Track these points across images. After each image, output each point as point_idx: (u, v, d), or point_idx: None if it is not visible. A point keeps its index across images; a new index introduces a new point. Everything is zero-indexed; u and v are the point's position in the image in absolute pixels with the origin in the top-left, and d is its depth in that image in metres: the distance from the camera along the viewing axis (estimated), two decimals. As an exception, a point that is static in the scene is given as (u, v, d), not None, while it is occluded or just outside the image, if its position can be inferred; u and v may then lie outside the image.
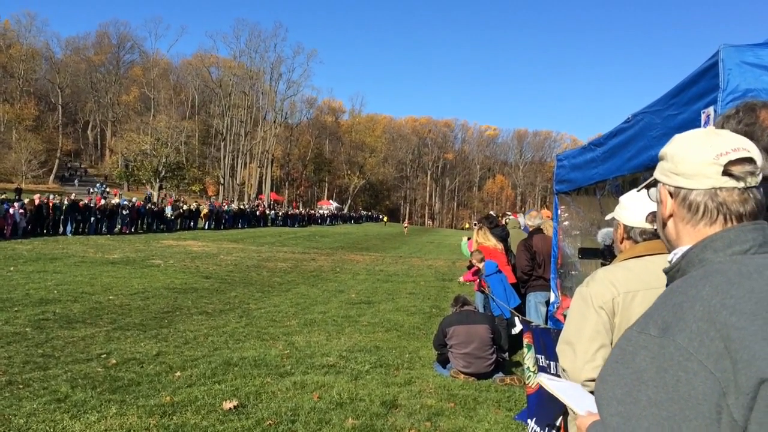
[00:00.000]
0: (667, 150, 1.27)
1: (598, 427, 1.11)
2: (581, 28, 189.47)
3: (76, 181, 65.95)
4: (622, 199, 2.30)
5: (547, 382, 1.69)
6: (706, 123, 2.67)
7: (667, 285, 1.18)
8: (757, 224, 1.12)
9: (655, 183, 1.30)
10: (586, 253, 3.56)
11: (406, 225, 64.20)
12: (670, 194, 1.22)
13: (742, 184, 1.14)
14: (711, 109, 2.63)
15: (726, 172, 1.14)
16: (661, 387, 0.94)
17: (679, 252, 1.19)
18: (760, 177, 1.15)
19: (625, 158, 3.73)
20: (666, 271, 1.22)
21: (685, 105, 2.91)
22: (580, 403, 1.41)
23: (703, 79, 2.76)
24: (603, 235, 2.74)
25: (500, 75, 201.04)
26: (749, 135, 1.27)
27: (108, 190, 62.04)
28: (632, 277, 2.03)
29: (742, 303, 0.96)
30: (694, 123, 2.79)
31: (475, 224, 9.24)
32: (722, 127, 1.30)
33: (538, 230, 7.56)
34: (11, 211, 23.47)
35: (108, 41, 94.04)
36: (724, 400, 0.90)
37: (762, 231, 1.11)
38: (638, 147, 3.49)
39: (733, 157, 1.15)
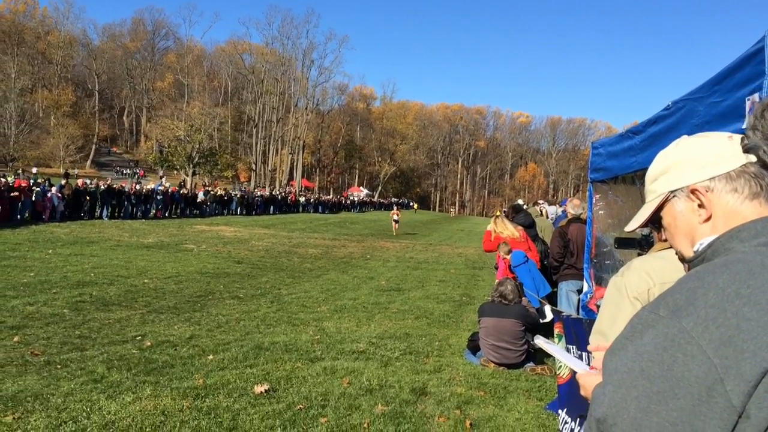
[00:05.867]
0: (669, 160, 1.28)
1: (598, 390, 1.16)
2: (617, 12, 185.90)
3: (118, 171, 67.25)
4: None
5: (543, 344, 1.74)
6: (751, 110, 2.59)
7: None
8: None
9: (658, 211, 1.29)
10: (622, 243, 3.49)
11: (395, 216, 34.66)
12: (706, 190, 1.19)
13: (758, 159, 1.16)
14: (756, 96, 2.55)
15: (745, 149, 1.16)
16: (657, 363, 0.97)
17: (705, 241, 1.17)
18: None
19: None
20: (689, 261, 1.21)
21: (729, 92, 2.83)
22: (578, 362, 1.45)
23: (748, 65, 2.67)
24: (641, 225, 2.69)
25: (533, 61, 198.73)
26: None
27: (137, 171, 63.35)
28: (668, 268, 1.98)
29: (758, 294, 0.96)
30: (738, 110, 2.71)
31: (505, 212, 9.14)
32: (762, 115, 1.28)
33: (578, 219, 7.40)
34: (49, 194, 24.02)
35: (143, 28, 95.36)
36: (721, 386, 0.92)
37: None
38: (680, 135, 3.38)
39: (739, 136, 1.18)
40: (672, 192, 1.25)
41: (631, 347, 1.03)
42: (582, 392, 1.28)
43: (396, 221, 33.90)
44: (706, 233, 1.18)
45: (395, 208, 40.37)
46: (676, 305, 1.01)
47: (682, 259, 1.26)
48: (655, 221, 1.32)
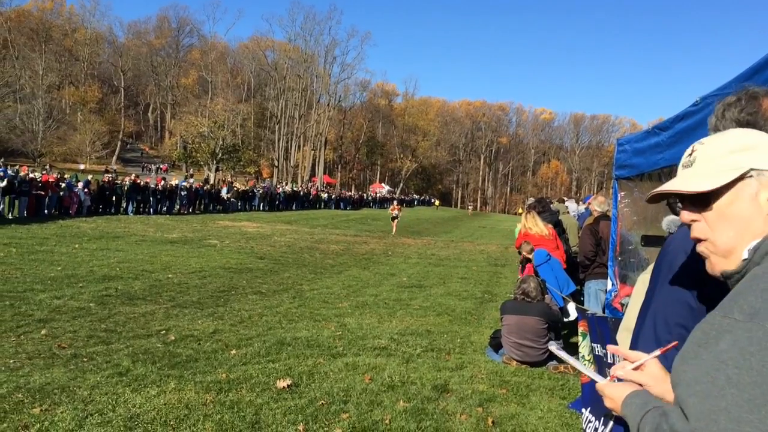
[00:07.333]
0: (753, 139, 1.15)
1: (634, 397, 1.11)
2: (643, 8, 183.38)
3: (146, 170, 68.04)
4: None
5: (557, 351, 1.73)
6: None
7: (733, 283, 1.11)
8: None
9: (729, 185, 1.13)
10: (649, 241, 3.44)
11: (395, 212, 29.25)
12: None
13: None
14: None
15: None
16: (745, 370, 0.92)
17: (752, 245, 1.11)
18: None
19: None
20: (735, 271, 1.12)
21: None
22: (593, 373, 1.40)
23: (779, 60, 2.61)
24: (668, 223, 2.63)
25: (556, 58, 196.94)
26: (751, 124, 1.20)
27: (159, 166, 64.23)
28: None
29: None
30: (770, 106, 2.65)
31: (530, 205, 8.98)
32: (723, 115, 1.22)
33: (605, 216, 7.25)
34: (76, 190, 24.39)
35: (168, 25, 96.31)
36: None
37: None
38: (708, 132, 3.33)
39: None
40: (758, 171, 1.11)
41: (705, 355, 0.99)
42: (608, 403, 1.22)
43: (395, 219, 28.21)
44: (758, 232, 1.10)
45: (395, 203, 33.94)
46: (753, 308, 0.97)
47: (710, 251, 1.16)
48: (692, 197, 1.17)
